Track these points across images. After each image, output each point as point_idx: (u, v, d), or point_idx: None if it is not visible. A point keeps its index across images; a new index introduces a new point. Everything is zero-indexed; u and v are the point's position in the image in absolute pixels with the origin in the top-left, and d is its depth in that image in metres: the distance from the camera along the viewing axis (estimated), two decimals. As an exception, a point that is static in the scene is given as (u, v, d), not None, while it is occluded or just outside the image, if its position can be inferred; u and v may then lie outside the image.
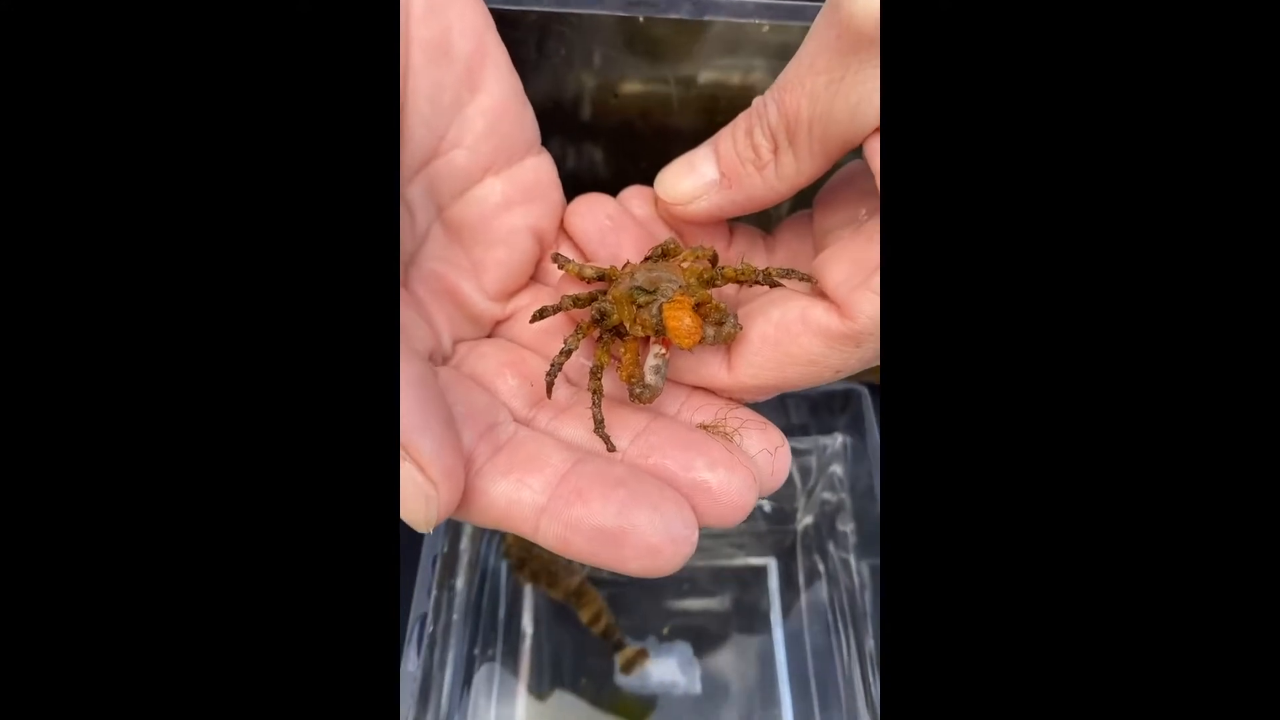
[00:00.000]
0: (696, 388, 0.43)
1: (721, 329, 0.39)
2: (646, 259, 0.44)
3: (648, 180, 0.47)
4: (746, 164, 0.40)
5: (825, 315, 0.38)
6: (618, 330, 0.41)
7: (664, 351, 0.40)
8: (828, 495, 0.69)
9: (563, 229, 0.48)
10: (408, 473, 0.31)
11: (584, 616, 0.67)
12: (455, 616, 0.62)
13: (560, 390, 0.43)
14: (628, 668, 0.66)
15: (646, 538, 0.34)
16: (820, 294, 0.37)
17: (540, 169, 0.45)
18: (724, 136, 0.42)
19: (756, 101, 0.40)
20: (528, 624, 0.66)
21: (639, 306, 0.40)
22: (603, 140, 0.55)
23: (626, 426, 0.40)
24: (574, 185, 0.50)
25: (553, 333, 0.45)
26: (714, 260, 0.44)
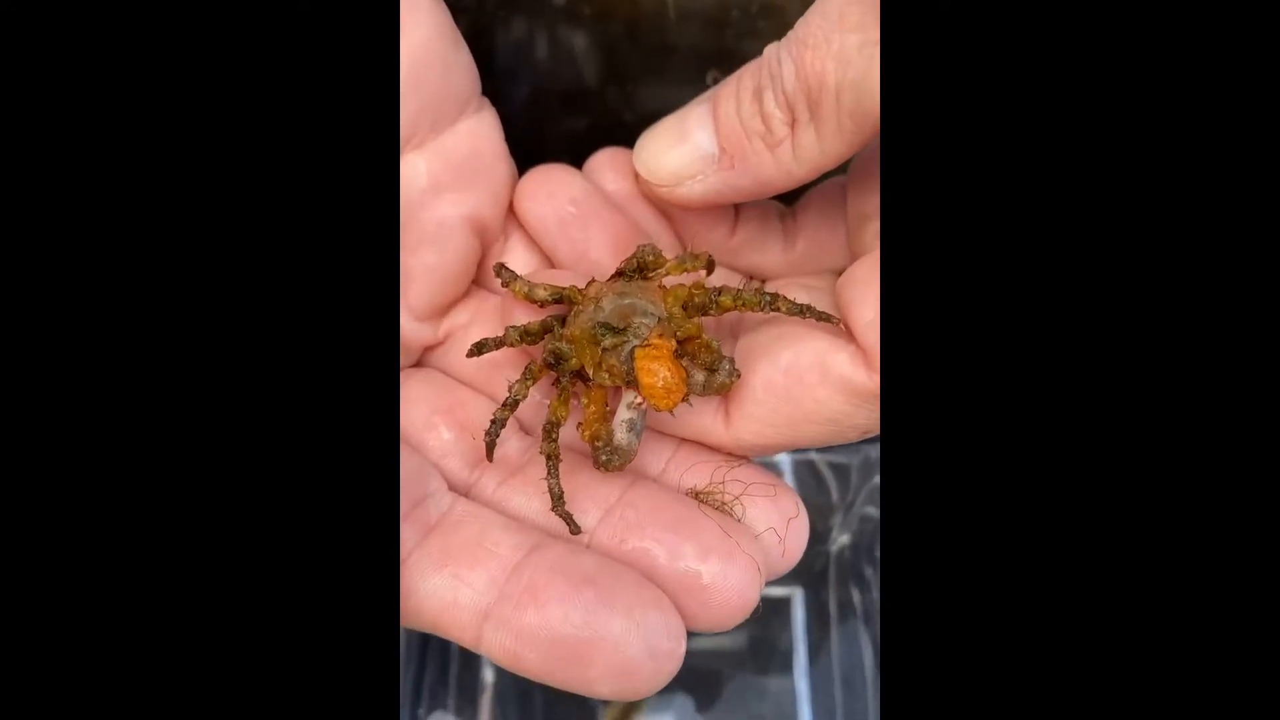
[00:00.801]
0: (685, 440, 0.38)
1: (713, 378, 0.34)
2: (619, 274, 0.37)
3: (637, 115, 0.42)
4: (754, 138, 0.35)
5: (850, 366, 0.33)
6: (579, 374, 0.36)
7: (641, 402, 0.34)
8: (870, 510, 0.65)
9: (512, 214, 0.41)
10: None
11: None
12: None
13: (511, 442, 0.38)
14: (620, 718, 0.61)
15: (619, 653, 0.30)
16: (844, 334, 0.34)
17: (479, 135, 0.39)
18: (725, 97, 0.36)
19: (768, 52, 0.35)
20: (488, 672, 0.61)
21: (604, 349, 0.35)
22: (576, 59, 0.47)
23: (595, 495, 0.36)
24: (531, 118, 0.44)
25: (500, 364, 0.39)
26: (710, 267, 0.39)
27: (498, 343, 0.37)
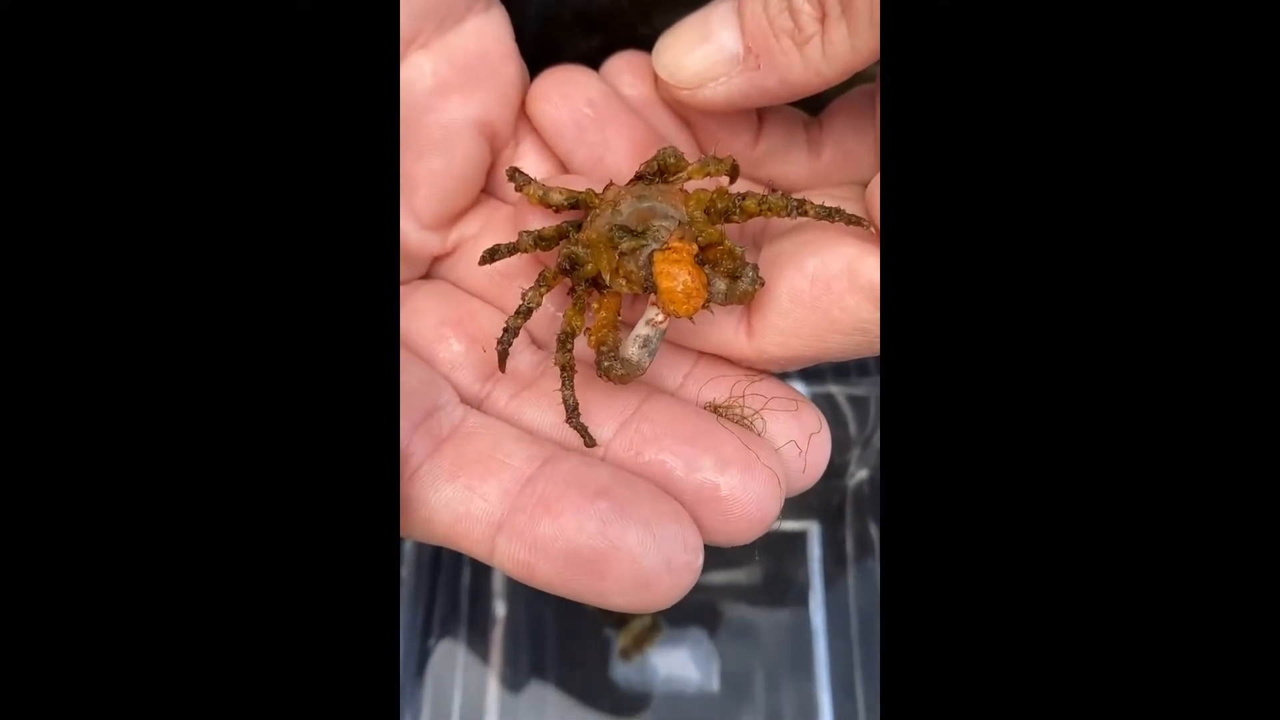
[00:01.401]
0: (705, 353, 0.37)
1: (736, 285, 0.33)
2: (638, 177, 0.36)
3: (654, 30, 0.39)
4: (782, 36, 0.34)
5: (880, 270, 0.32)
6: (595, 282, 0.35)
7: (662, 320, 0.33)
8: (889, 444, 0.60)
9: (525, 117, 0.40)
10: None
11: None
12: (402, 594, 0.57)
13: (524, 355, 0.37)
14: (634, 647, 0.61)
15: (635, 564, 0.30)
16: (874, 239, 0.33)
17: (487, 33, 0.37)
18: None
19: None
20: (499, 605, 0.61)
21: (622, 253, 0.33)
22: None
23: (611, 408, 0.35)
24: (545, 34, 0.42)
25: (512, 275, 0.38)
26: (733, 174, 0.37)
27: (510, 249, 0.36)
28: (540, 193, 0.36)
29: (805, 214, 0.33)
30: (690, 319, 0.32)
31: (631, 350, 0.33)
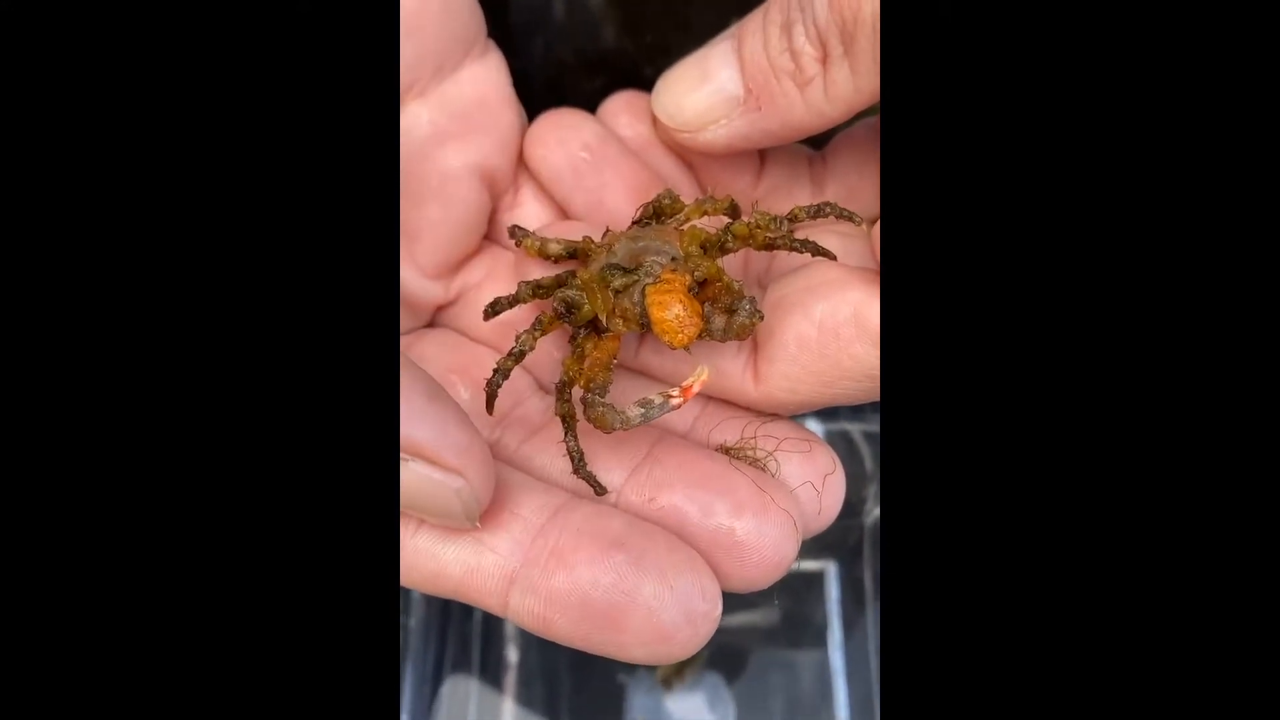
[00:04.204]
0: (713, 398, 0.37)
1: (734, 320, 0.32)
2: (635, 223, 0.36)
3: (656, 70, 0.38)
4: (783, 77, 0.34)
5: (880, 311, 0.32)
6: (595, 326, 0.35)
7: (677, 399, 0.32)
8: (906, 480, 0.60)
9: (523, 164, 0.40)
10: (419, 474, 0.28)
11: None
12: (410, 640, 0.57)
13: (532, 401, 0.37)
14: (675, 675, 0.61)
15: (653, 617, 0.30)
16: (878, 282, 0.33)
17: (484, 80, 0.38)
18: (750, 33, 0.35)
19: None
20: (511, 651, 0.61)
21: (616, 292, 0.34)
22: (592, 11, 0.45)
23: (620, 454, 0.35)
24: (547, 77, 0.43)
25: (517, 324, 0.37)
26: (733, 212, 0.37)
27: (511, 300, 0.36)
28: (537, 245, 0.36)
29: (795, 218, 0.33)
30: (687, 351, 0.32)
31: (631, 408, 0.32)
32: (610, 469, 0.34)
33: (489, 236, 0.40)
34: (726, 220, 0.36)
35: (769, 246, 0.34)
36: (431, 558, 0.31)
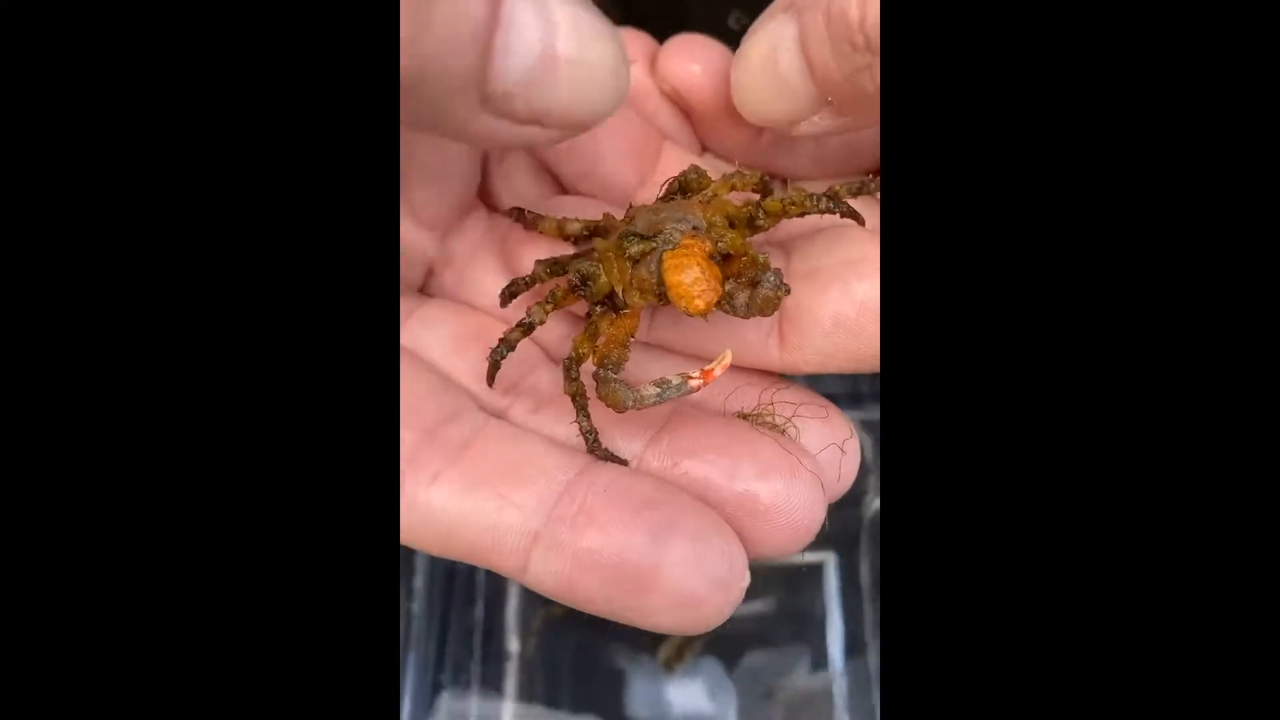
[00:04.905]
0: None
1: (757, 292, 0.31)
2: (662, 198, 0.35)
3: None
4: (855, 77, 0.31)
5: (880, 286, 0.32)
6: (612, 302, 0.33)
7: (696, 380, 0.31)
8: (904, 471, 0.61)
9: None
10: None
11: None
12: (413, 628, 0.56)
13: (541, 373, 0.37)
14: (676, 657, 0.60)
15: (683, 581, 0.29)
16: None
17: None
18: (810, 27, 0.32)
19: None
20: (512, 641, 0.60)
21: (634, 261, 0.32)
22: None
23: (637, 423, 0.34)
24: None
25: (526, 299, 0.37)
26: (762, 188, 0.36)
27: (529, 281, 0.35)
28: (555, 225, 0.35)
29: (836, 196, 0.32)
30: (705, 319, 0.31)
31: (646, 386, 0.31)
32: (628, 439, 0.33)
33: (485, 197, 0.39)
34: (758, 194, 0.36)
35: (800, 213, 0.33)
36: (445, 514, 0.30)
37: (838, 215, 0.33)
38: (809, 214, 0.33)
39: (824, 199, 0.32)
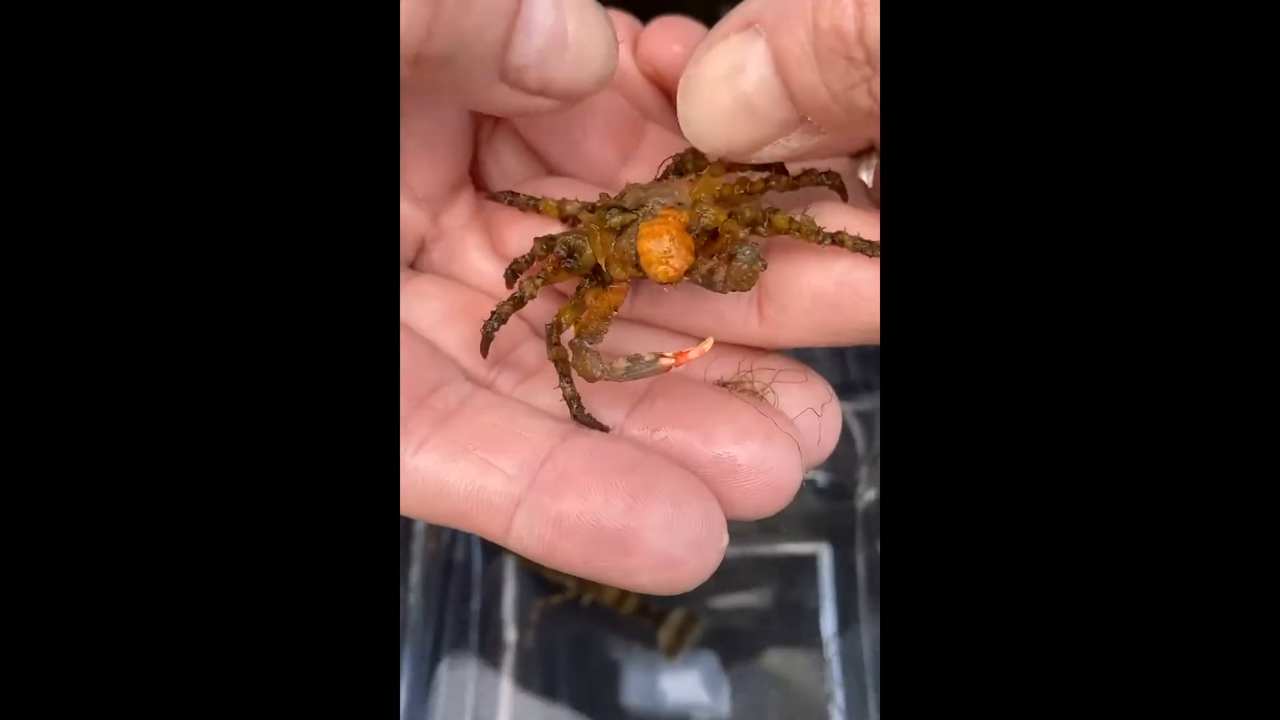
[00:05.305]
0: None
1: (734, 266, 0.31)
2: (659, 178, 0.36)
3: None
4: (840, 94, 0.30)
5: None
6: (599, 275, 0.34)
7: (669, 360, 0.31)
8: (898, 464, 0.62)
9: None
10: None
11: (607, 596, 0.62)
12: (409, 620, 0.57)
13: (529, 345, 0.37)
14: (676, 642, 0.61)
15: (663, 542, 0.29)
16: None
17: None
18: (790, 45, 0.30)
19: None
20: (509, 631, 0.61)
21: (616, 234, 0.33)
22: None
23: (620, 392, 0.34)
24: None
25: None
26: (765, 185, 0.35)
27: (529, 259, 0.35)
28: (555, 205, 0.36)
29: (841, 244, 0.31)
30: (674, 287, 0.32)
31: (619, 360, 0.31)
32: (610, 407, 0.34)
33: (475, 177, 0.40)
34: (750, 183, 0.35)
35: (792, 187, 0.34)
36: (433, 478, 0.31)
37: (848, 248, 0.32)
38: (811, 241, 0.32)
39: (828, 237, 0.31)
